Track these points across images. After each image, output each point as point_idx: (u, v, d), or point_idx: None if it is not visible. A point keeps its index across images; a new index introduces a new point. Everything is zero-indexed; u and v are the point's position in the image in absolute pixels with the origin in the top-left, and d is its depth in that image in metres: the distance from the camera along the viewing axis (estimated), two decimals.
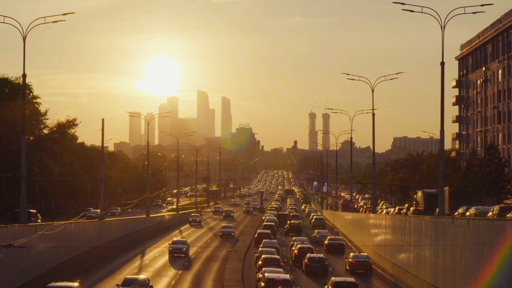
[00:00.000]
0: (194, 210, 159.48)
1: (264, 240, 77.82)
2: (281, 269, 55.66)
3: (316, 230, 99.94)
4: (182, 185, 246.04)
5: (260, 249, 70.16)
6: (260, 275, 52.13)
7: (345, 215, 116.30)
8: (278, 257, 62.98)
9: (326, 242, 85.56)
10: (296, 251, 71.05)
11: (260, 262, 60.23)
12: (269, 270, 52.34)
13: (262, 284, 48.61)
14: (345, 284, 48.65)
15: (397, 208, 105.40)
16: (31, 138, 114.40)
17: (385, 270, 66.19)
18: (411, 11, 56.90)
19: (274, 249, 69.23)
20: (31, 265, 50.88)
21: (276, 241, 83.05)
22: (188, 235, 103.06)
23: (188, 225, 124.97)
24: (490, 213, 53.18)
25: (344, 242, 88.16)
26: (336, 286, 48.34)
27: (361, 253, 71.63)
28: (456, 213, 61.44)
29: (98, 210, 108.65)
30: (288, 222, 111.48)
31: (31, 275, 50.73)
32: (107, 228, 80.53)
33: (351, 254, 70.48)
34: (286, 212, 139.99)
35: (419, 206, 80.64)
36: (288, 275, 51.87)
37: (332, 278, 51.26)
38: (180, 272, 64.77)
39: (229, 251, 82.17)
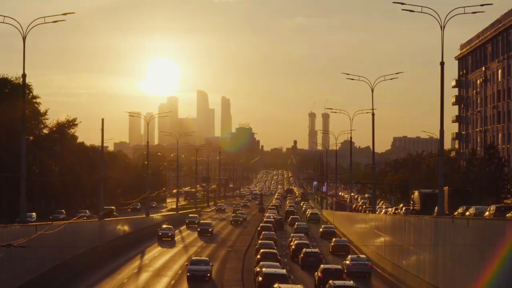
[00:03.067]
0: (194, 210, 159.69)
1: (263, 232, 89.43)
2: (278, 264, 58.87)
3: (296, 223, 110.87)
4: (182, 185, 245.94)
5: (259, 241, 78.96)
6: (258, 269, 55.28)
7: (342, 214, 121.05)
8: (275, 251, 68.03)
9: (321, 230, 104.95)
10: (293, 246, 75.67)
11: (258, 256, 64.65)
12: (267, 265, 55.38)
13: (260, 278, 51.32)
14: (332, 270, 54.42)
15: (394, 208, 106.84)
16: (31, 138, 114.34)
17: (385, 270, 66.36)
18: (411, 11, 56.93)
19: (272, 241, 78.31)
20: (31, 265, 50.90)
21: (274, 233, 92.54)
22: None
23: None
24: (487, 213, 53.39)
25: (335, 230, 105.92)
26: (324, 271, 54.18)
27: (341, 239, 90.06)
28: (456, 213, 61.60)
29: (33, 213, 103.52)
30: (272, 217, 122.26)
31: (31, 275, 50.75)
32: (107, 228, 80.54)
33: (334, 239, 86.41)
34: (290, 209, 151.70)
35: (415, 206, 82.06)
36: (284, 270, 54.36)
37: (321, 265, 57.06)
38: (180, 272, 64.80)
39: (229, 251, 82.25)
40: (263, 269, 52.61)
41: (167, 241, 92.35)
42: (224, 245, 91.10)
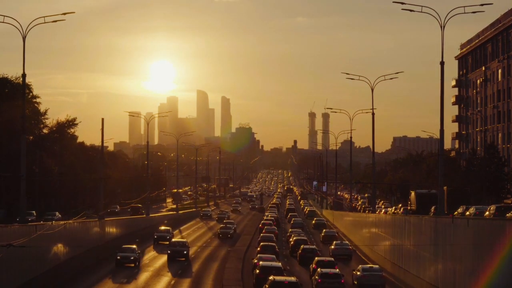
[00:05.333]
0: (194, 209, 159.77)
1: (266, 227, 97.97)
2: (274, 257, 62.27)
3: (293, 219, 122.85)
4: (182, 184, 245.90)
5: (261, 235, 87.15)
6: (255, 261, 59.44)
7: (341, 213, 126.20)
8: (274, 244, 74.71)
9: (313, 222, 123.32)
10: (292, 242, 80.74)
11: (258, 249, 71.38)
12: (264, 258, 59.41)
13: (257, 271, 54.69)
14: (326, 262, 59.05)
15: (393, 208, 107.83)
16: (31, 137, 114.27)
17: (385, 270, 66.33)
18: (411, 10, 56.98)
19: (273, 235, 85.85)
20: (31, 265, 50.87)
21: (275, 227, 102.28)
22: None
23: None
24: (487, 213, 53.39)
25: (326, 222, 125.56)
26: (318, 263, 58.44)
27: (331, 230, 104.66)
28: (456, 212, 61.69)
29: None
30: (270, 216, 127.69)
31: (31, 275, 50.72)
32: (107, 228, 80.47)
33: (324, 230, 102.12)
34: (290, 207, 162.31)
35: (412, 206, 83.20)
36: (279, 263, 57.96)
37: (316, 258, 61.35)
38: (180, 272, 64.74)
39: (229, 250, 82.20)
40: (260, 262, 56.38)
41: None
42: (225, 244, 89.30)
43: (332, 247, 77.59)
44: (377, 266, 60.64)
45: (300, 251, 72.12)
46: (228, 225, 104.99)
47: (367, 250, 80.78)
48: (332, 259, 62.05)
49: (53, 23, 57.56)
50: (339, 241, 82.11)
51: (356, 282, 56.50)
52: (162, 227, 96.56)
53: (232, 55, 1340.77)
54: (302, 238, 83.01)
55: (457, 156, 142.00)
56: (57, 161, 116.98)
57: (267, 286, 47.20)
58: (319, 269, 53.84)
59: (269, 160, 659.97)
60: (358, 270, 57.13)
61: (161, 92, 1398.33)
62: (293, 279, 48.37)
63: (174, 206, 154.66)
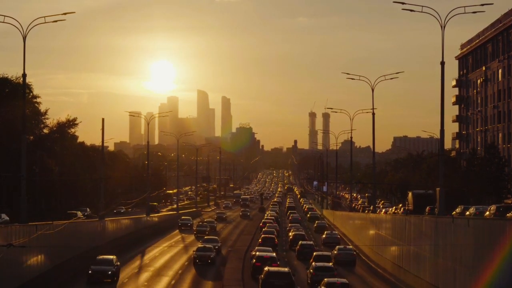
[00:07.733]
0: (194, 210, 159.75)
1: (267, 224, 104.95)
2: (271, 249, 68.55)
3: (291, 215, 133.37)
4: (182, 184, 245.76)
5: (264, 229, 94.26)
6: (253, 253, 65.50)
7: (344, 215, 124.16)
8: (273, 236, 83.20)
9: (308, 215, 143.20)
10: (291, 237, 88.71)
11: (259, 241, 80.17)
12: (261, 249, 66.55)
13: (254, 260, 61.43)
14: (323, 256, 64.06)
15: (394, 208, 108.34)
16: (31, 137, 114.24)
17: (385, 270, 66.37)
18: (411, 10, 56.96)
19: (274, 229, 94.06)
20: (31, 265, 50.86)
21: (276, 224, 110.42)
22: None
23: None
24: (488, 213, 53.41)
25: (319, 215, 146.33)
26: (316, 258, 63.02)
27: (322, 221, 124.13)
28: (454, 212, 61.84)
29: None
30: (269, 214, 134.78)
31: (31, 275, 50.71)
32: (107, 228, 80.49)
33: (317, 221, 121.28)
34: (291, 205, 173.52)
35: (409, 206, 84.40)
36: (274, 254, 64.49)
37: (314, 253, 66.35)
38: (180, 272, 64.75)
39: (229, 250, 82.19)
40: (257, 253, 63.42)
41: None
42: (224, 245, 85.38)
43: (323, 236, 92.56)
44: (350, 246, 77.38)
45: (298, 247, 77.51)
46: (207, 246, 72.43)
47: (367, 249, 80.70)
48: (329, 253, 67.52)
49: (53, 23, 57.54)
50: (329, 231, 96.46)
51: (333, 260, 66.98)
52: (102, 257, 59.65)
53: (232, 55, 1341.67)
54: (300, 233, 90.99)
55: (457, 156, 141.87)
56: (58, 161, 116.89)
57: (262, 276, 51.02)
58: (313, 263, 58.88)
59: (270, 160, 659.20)
60: (335, 250, 72.56)
61: (162, 92, 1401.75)
62: (285, 269, 52.82)
63: (175, 206, 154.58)
